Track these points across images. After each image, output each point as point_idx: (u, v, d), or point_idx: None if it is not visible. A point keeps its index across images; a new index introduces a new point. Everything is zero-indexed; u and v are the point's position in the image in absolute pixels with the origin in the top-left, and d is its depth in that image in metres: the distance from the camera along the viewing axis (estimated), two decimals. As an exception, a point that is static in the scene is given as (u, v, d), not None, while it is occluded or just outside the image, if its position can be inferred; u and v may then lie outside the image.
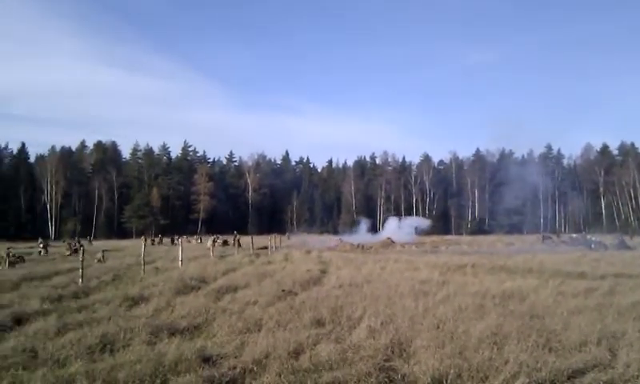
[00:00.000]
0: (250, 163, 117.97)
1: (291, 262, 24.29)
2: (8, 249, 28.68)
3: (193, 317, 10.25)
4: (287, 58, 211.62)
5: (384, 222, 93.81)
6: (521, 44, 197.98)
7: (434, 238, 64.65)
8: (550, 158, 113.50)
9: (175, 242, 54.08)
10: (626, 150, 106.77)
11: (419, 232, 72.08)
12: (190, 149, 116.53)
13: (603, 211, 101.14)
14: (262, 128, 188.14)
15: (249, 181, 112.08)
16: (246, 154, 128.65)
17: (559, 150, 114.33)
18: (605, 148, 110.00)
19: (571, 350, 7.32)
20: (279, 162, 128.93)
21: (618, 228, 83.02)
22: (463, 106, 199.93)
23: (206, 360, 7.03)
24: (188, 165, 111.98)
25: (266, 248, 35.41)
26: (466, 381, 6.05)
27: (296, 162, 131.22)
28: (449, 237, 73.29)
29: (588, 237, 48.83)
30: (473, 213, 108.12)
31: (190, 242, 54.22)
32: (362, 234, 69.68)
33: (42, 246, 38.34)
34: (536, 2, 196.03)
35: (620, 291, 13.16)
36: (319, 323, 9.38)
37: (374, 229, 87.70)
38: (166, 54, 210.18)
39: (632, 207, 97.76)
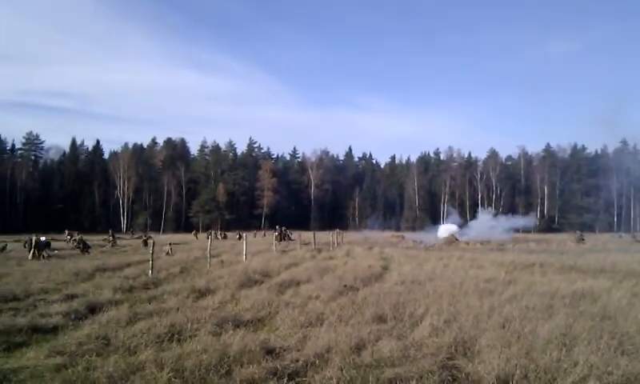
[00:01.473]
0: (313, 159, 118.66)
1: (352, 257, 24.31)
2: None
3: (256, 310, 10.46)
4: (351, 54, 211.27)
5: (447, 217, 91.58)
6: (604, 34, 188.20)
7: (501, 235, 62.58)
8: (626, 154, 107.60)
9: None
10: None
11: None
12: (255, 145, 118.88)
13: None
14: (325, 124, 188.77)
15: (311, 177, 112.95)
16: (309, 150, 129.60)
17: (635, 146, 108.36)
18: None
19: (646, 352, 6.98)
20: (342, 157, 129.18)
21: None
22: (534, 99, 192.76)
23: (270, 352, 7.17)
24: (253, 161, 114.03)
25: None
26: (532, 382, 5.87)
27: (359, 157, 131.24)
28: (516, 234, 70.90)
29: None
30: (542, 210, 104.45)
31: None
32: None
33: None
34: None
35: (702, 294, 12.39)
36: (381, 319, 9.34)
37: (437, 225, 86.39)
38: (232, 53, 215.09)
39: None
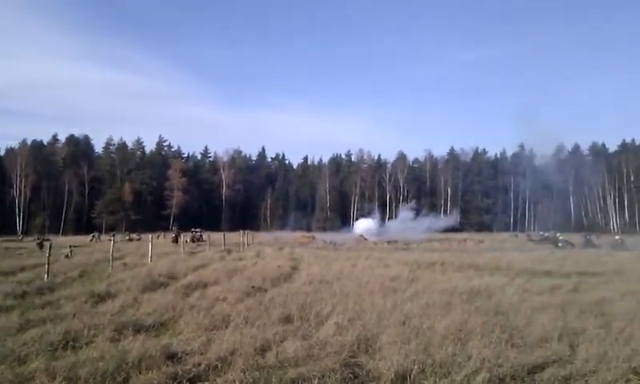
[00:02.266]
0: (225, 159, 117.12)
1: (262, 258, 24.24)
2: None
3: (159, 314, 10.14)
4: (266, 55, 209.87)
5: (357, 218, 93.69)
6: (503, 45, 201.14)
7: (407, 234, 64.71)
8: (523, 158, 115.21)
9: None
10: (597, 150, 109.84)
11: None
12: (164, 143, 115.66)
13: (572, 210, 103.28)
14: (239, 124, 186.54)
15: (223, 176, 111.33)
16: (221, 149, 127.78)
17: (532, 150, 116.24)
18: (576, 148, 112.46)
19: (533, 345, 7.48)
20: (255, 157, 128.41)
21: (586, 227, 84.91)
22: (443, 104, 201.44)
23: (171, 357, 6.98)
24: (162, 160, 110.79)
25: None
26: (428, 376, 6.12)
27: (272, 158, 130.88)
28: (423, 235, 73.44)
29: (556, 235, 49.76)
30: (445, 211, 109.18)
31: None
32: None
33: None
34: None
35: (583, 289, 13.50)
36: (287, 320, 9.37)
37: (347, 226, 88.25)
38: (144, 49, 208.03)
39: (599, 207, 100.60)
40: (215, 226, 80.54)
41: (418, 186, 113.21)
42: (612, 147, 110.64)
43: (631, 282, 14.74)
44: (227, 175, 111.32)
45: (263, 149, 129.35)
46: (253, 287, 13.42)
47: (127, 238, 54.00)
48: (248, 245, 36.54)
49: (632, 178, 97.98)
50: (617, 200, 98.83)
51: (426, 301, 10.83)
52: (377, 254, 27.38)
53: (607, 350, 6.99)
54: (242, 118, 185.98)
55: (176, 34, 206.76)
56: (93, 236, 54.50)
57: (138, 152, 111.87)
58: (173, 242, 39.55)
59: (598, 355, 6.80)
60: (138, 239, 51.14)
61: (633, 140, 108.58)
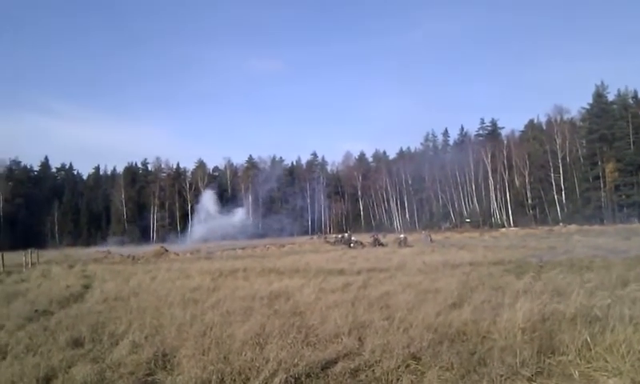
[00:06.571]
0: (1, 171, 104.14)
1: (50, 278, 22.03)
2: None
3: None
4: (44, 58, 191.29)
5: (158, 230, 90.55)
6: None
7: (210, 244, 64.38)
8: (316, 165, 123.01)
9: None
10: (379, 157, 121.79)
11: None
12: None
13: (361, 212, 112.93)
14: (17, 132, 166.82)
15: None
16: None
17: (323, 157, 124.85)
18: (362, 156, 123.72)
19: (326, 342, 7.86)
20: (37, 168, 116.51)
21: (374, 227, 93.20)
22: (240, 111, 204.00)
23: None
24: None
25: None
26: (228, 385, 6.13)
27: (57, 168, 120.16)
28: (224, 242, 73.40)
29: (349, 236, 53.55)
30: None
31: None
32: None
33: None
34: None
35: (371, 284, 14.66)
36: (77, 343, 8.65)
37: (147, 238, 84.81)
38: None
39: (385, 208, 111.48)
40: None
41: (219, 193, 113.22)
42: (392, 154, 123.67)
43: (411, 276, 16.36)
44: (4, 189, 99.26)
45: (47, 159, 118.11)
46: (36, 311, 12.18)
47: None
48: (33, 264, 32.98)
49: (410, 182, 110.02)
50: (398, 201, 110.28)
51: (227, 308, 10.83)
52: (178, 265, 26.66)
53: (390, 339, 7.56)
54: (21, 126, 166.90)
55: None
56: None
57: None
58: None
59: (383, 345, 7.30)
60: None
61: (408, 148, 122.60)
